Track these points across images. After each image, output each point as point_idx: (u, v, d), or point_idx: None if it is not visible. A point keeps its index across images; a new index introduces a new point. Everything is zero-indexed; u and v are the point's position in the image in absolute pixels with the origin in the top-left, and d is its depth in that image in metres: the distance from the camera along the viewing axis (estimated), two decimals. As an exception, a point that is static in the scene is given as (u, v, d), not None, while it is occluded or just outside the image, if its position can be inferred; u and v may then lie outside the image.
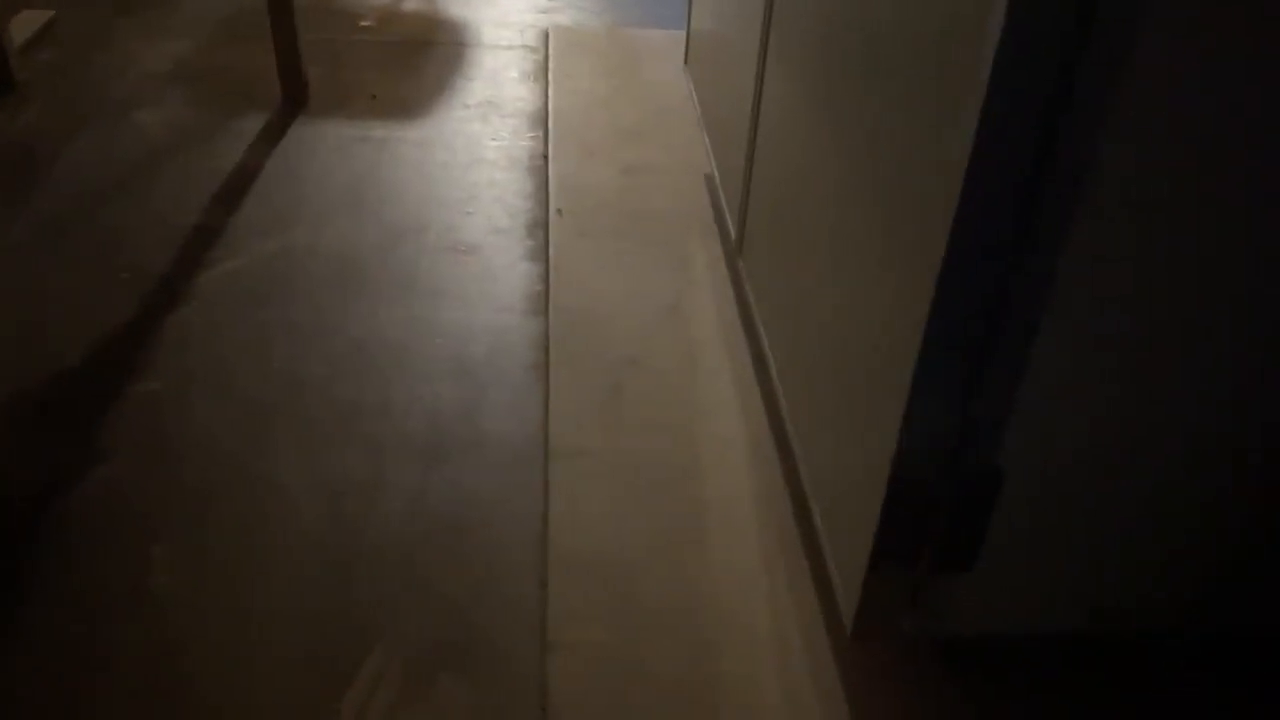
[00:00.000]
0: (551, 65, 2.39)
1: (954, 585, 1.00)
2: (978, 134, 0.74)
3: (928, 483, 0.92)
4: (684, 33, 1.99)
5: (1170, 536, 0.99)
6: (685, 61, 2.04)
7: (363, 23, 2.59)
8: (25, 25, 2.39)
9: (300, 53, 2.16)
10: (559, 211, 1.88)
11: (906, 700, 1.10)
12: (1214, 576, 1.03)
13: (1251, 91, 0.75)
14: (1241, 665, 1.13)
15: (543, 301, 1.68)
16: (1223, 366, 0.89)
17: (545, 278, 1.73)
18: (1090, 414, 0.90)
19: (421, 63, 2.44)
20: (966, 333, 0.84)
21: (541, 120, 2.19)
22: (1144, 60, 0.72)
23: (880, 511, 0.94)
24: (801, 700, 1.10)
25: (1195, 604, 1.05)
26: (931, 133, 0.83)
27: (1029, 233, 0.79)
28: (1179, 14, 0.71)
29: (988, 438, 0.90)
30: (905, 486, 0.92)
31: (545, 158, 2.05)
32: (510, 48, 2.52)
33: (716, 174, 1.74)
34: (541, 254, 1.79)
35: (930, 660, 1.13)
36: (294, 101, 2.20)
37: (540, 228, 1.86)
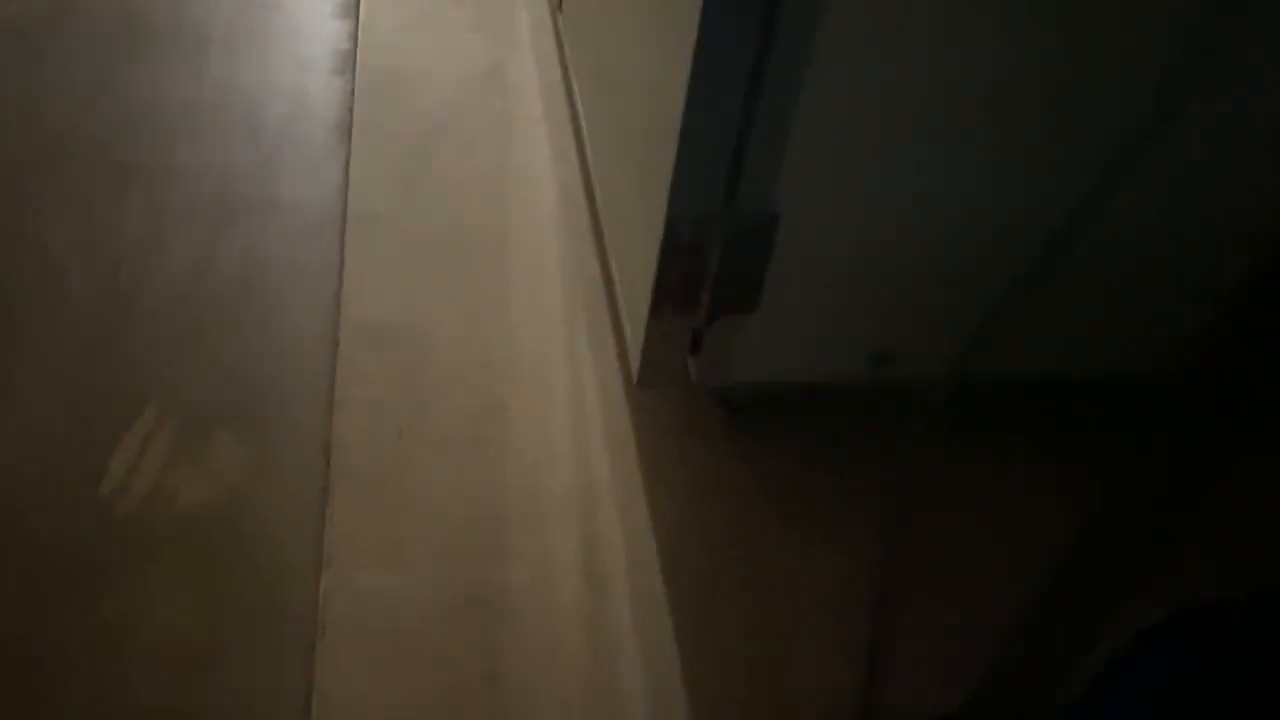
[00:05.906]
0: None
1: (735, 331, 0.99)
2: None
3: (704, 226, 0.90)
4: None
5: (952, 280, 0.99)
6: None
7: None
8: None
9: None
10: (373, -34, 1.72)
11: (694, 452, 1.11)
12: (986, 319, 1.03)
13: None
14: (1021, 413, 1.16)
15: (350, 60, 1.56)
16: (1001, 90, 0.85)
17: (354, 36, 1.60)
18: (865, 156, 0.88)
19: None
20: (734, 69, 0.79)
21: None
22: None
23: (658, 255, 0.92)
24: (589, 452, 1.10)
25: (964, 354, 1.07)
26: None
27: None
28: None
29: (762, 180, 0.87)
30: (681, 230, 0.90)
31: (362, -93, 1.87)
32: None
33: (541, -76, 1.62)
34: (353, 11, 1.65)
35: (719, 412, 1.14)
36: None
37: (352, -17, 1.71)
